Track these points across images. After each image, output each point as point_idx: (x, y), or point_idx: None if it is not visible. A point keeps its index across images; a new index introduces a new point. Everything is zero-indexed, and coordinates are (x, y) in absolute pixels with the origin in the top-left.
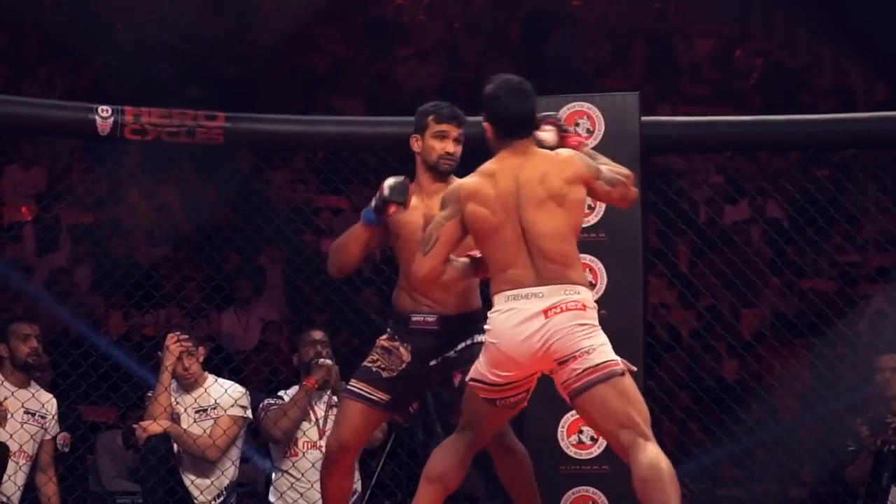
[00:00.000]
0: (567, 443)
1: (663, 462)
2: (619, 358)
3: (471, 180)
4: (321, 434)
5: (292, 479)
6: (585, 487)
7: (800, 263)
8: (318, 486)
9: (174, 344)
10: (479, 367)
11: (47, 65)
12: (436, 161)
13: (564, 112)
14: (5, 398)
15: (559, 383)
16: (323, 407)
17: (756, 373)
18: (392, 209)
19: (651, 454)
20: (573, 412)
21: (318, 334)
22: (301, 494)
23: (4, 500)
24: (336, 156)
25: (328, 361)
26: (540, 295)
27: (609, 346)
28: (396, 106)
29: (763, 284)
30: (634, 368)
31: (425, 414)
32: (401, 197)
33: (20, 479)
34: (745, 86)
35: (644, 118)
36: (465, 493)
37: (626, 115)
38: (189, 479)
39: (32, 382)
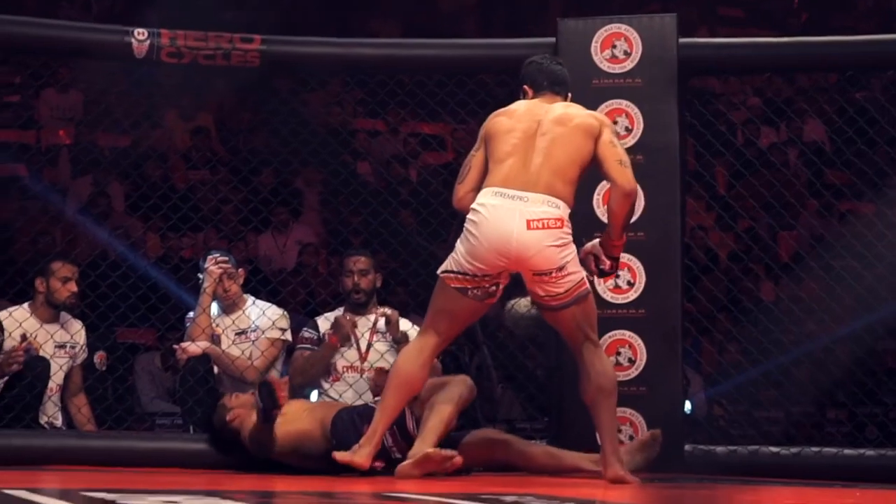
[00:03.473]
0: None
1: (611, 372)
2: (583, 272)
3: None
4: (362, 358)
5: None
6: (623, 409)
7: (838, 185)
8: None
9: (214, 266)
10: (454, 257)
11: None
12: None
13: (601, 34)
14: (35, 334)
15: (535, 294)
16: (367, 332)
17: (794, 294)
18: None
19: (604, 363)
20: (610, 335)
21: (356, 263)
22: None
23: (46, 420)
24: (373, 78)
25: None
26: (525, 199)
27: (576, 258)
28: (433, 28)
29: (801, 206)
30: (592, 279)
31: (471, 341)
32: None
33: (51, 409)
34: (783, 7)
35: (682, 40)
36: (503, 415)
37: (663, 38)
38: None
39: (62, 314)
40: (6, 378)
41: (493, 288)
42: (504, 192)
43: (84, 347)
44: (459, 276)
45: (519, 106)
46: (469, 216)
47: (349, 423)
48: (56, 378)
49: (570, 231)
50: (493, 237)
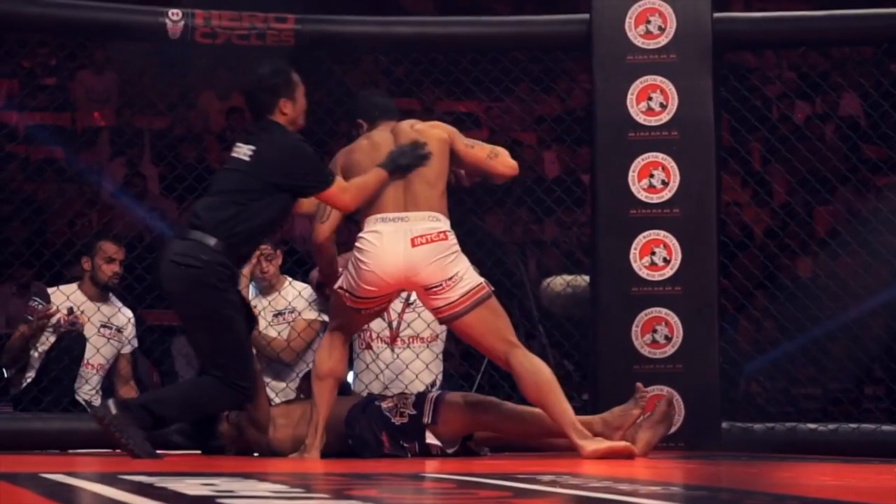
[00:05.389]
0: (641, 342)
1: (544, 366)
2: (481, 279)
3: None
4: (393, 336)
5: (372, 375)
6: (660, 386)
7: (875, 160)
8: (396, 383)
9: None
10: (347, 279)
11: None
12: None
13: (635, 10)
14: (82, 311)
15: (431, 308)
16: (399, 305)
17: (831, 270)
18: None
19: (533, 361)
20: (646, 312)
21: None
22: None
23: (85, 398)
24: (406, 57)
25: None
26: (407, 219)
27: (471, 269)
28: (466, 6)
29: (837, 181)
30: (492, 288)
31: (527, 319)
32: None
33: (88, 388)
34: None
35: (716, 14)
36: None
37: (698, 12)
38: (265, 382)
39: (112, 297)
40: (42, 358)
41: (386, 304)
42: (386, 217)
43: (133, 338)
44: (353, 297)
45: (368, 139)
46: (357, 244)
47: (363, 420)
48: (98, 357)
49: (455, 242)
50: (381, 261)
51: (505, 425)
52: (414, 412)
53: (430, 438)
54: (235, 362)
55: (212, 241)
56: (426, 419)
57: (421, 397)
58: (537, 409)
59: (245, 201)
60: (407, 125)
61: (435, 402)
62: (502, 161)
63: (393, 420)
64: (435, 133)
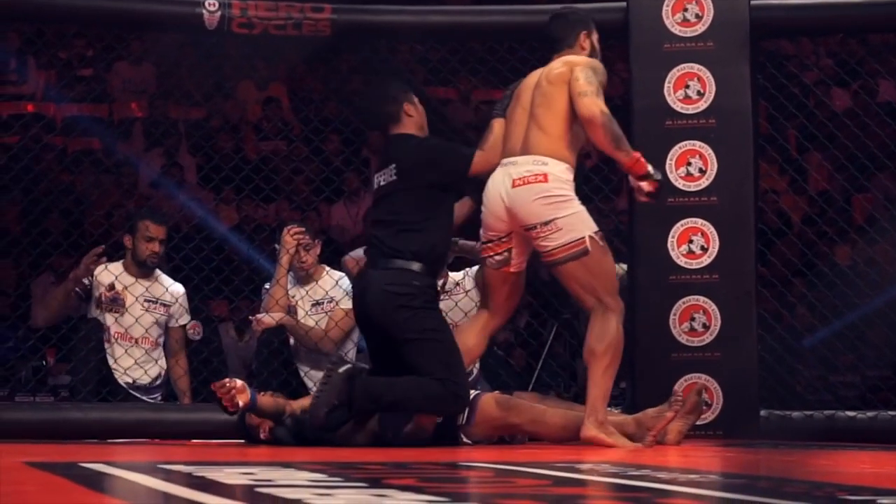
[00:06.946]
0: (679, 330)
1: (613, 337)
2: (587, 232)
3: None
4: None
5: None
6: (697, 374)
7: None
8: None
9: (289, 237)
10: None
11: None
12: None
13: None
14: (124, 287)
15: (537, 249)
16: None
17: (869, 257)
18: None
19: (604, 326)
20: (684, 300)
21: None
22: None
23: (130, 381)
24: (443, 46)
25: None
26: (515, 163)
27: (577, 217)
28: None
29: (875, 168)
30: (602, 243)
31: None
32: None
33: (147, 363)
34: None
35: (753, 2)
36: (580, 382)
37: (735, 0)
38: (303, 371)
39: (159, 273)
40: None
41: (505, 253)
42: (504, 162)
43: (184, 309)
44: (482, 245)
45: (526, 79)
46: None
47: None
48: (151, 332)
49: (562, 185)
50: (489, 202)
51: (538, 428)
52: None
53: (465, 440)
54: (453, 373)
55: (416, 265)
56: (461, 420)
57: None
58: (572, 413)
59: (420, 220)
60: (557, 63)
61: (469, 404)
62: (584, 102)
63: None
64: (558, 73)
